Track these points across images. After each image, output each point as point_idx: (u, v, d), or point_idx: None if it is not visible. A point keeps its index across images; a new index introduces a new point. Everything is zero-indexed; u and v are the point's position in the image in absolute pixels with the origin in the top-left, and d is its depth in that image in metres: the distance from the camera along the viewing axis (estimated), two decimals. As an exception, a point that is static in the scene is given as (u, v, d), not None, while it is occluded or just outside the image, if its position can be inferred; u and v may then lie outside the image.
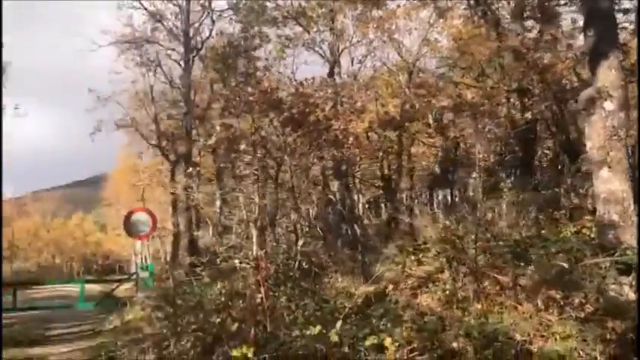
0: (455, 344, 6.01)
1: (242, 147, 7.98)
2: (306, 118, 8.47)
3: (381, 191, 24.66)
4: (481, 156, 11.31)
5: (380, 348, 5.77)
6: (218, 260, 8.18)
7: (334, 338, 5.40)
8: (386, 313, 6.88)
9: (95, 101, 23.10)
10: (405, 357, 5.66)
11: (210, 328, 7.71)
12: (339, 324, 5.53)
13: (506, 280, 7.80)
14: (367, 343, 5.38)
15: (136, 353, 8.29)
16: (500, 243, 8.91)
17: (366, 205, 29.29)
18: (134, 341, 9.09)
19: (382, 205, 27.48)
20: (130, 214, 15.79)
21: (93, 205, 71.55)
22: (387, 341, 5.63)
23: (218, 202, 16.64)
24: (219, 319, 7.61)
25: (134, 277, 16.72)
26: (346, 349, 5.43)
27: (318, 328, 5.49)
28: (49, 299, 20.78)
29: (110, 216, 59.65)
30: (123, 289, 18.20)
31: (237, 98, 8.29)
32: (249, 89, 8.33)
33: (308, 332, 5.57)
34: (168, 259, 31.41)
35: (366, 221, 23.09)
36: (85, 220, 69.67)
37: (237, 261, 7.55)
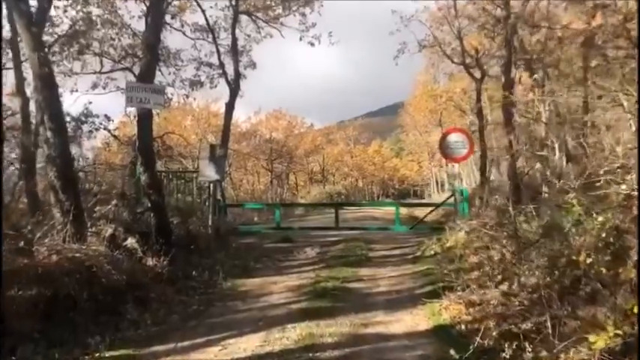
0: None
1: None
2: None
3: None
4: None
5: None
6: (597, 185, 6.34)
7: None
8: None
9: (398, 23, 22.27)
10: None
11: (571, 266, 6.14)
12: None
13: None
14: None
15: (469, 284, 7.37)
16: None
17: None
18: (463, 271, 8.25)
19: None
20: (445, 135, 14.73)
21: (389, 133, 75.19)
22: None
23: (544, 118, 14.27)
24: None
25: (449, 202, 15.99)
26: None
27: None
28: (362, 220, 21.83)
29: (406, 142, 61.57)
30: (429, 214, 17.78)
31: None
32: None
33: None
34: (472, 183, 30.34)
35: None
36: (382, 146, 73.67)
37: (624, 187, 5.61)
